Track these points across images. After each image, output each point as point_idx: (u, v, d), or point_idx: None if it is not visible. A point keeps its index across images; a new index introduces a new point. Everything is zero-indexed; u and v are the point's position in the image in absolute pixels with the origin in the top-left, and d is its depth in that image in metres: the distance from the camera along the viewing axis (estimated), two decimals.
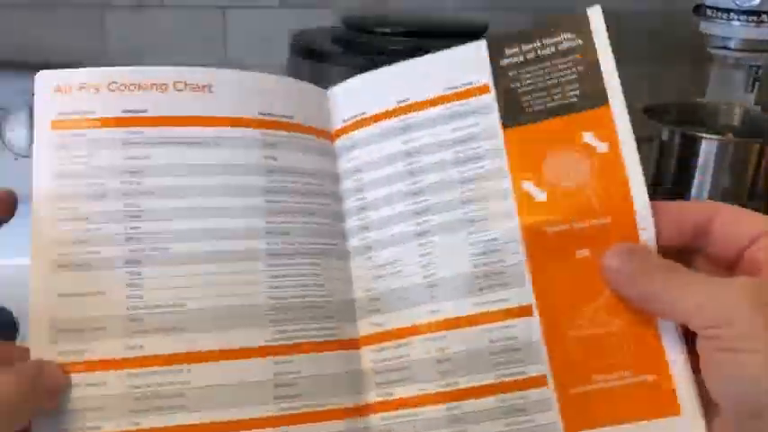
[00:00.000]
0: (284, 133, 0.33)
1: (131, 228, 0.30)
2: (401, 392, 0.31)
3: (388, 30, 0.61)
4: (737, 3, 0.63)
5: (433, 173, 0.33)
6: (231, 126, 0.32)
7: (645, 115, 0.64)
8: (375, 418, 0.31)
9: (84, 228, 0.30)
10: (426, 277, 0.32)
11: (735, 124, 0.69)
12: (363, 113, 0.35)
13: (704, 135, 0.62)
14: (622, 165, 0.31)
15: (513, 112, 0.32)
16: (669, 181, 0.64)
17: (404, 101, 0.34)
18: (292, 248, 0.32)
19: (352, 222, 0.34)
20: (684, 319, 0.26)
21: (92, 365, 0.28)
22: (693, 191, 0.62)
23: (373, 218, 0.33)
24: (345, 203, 0.34)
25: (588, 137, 0.31)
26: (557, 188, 0.31)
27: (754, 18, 0.63)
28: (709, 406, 0.28)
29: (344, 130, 0.35)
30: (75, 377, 0.28)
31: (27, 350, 0.28)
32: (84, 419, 0.28)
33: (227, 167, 0.32)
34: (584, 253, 0.30)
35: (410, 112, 0.34)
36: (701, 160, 0.61)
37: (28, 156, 0.62)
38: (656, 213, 0.29)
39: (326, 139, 0.35)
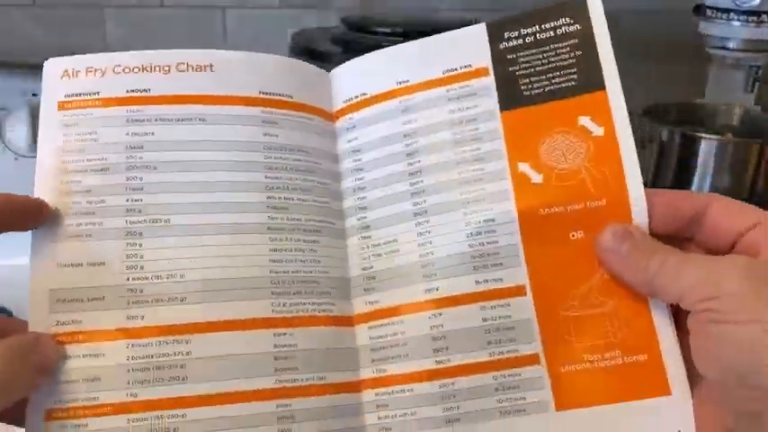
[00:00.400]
0: (284, 112, 0.34)
1: (133, 200, 0.30)
2: (395, 369, 0.31)
3: (388, 30, 0.61)
4: (737, 3, 0.63)
5: (430, 154, 0.33)
6: (232, 104, 0.33)
7: (645, 115, 0.64)
8: (369, 394, 0.31)
9: (86, 200, 0.30)
10: (423, 256, 0.32)
11: (734, 124, 0.69)
12: (364, 94, 0.35)
13: (704, 135, 0.62)
14: (617, 149, 0.31)
15: (511, 95, 0.33)
16: (669, 181, 0.64)
17: (404, 82, 0.34)
18: (291, 224, 0.32)
19: (349, 202, 0.34)
20: (678, 296, 0.27)
21: (90, 336, 0.28)
22: (693, 191, 0.62)
23: (371, 198, 0.34)
24: (344, 183, 0.35)
25: (584, 120, 0.31)
26: (552, 170, 0.31)
27: (754, 18, 0.63)
28: (692, 384, 0.28)
29: (345, 111, 0.35)
30: (73, 348, 0.28)
31: (25, 323, 0.28)
32: (81, 390, 0.28)
33: (227, 143, 0.32)
34: (578, 235, 0.31)
35: (410, 93, 0.34)
36: (700, 160, 0.61)
37: (28, 156, 0.62)
38: (650, 200, 0.30)
39: (328, 119, 0.35)
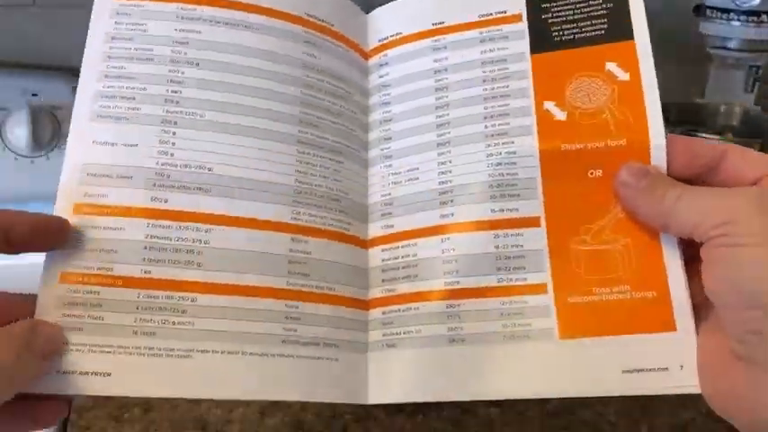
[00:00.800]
0: (325, 37, 0.36)
1: (172, 91, 0.32)
2: (404, 289, 0.33)
3: None
4: (737, 3, 0.63)
5: (459, 90, 0.35)
6: (278, 18, 0.34)
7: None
8: (376, 312, 0.33)
9: (127, 86, 0.32)
10: (442, 183, 0.33)
11: (735, 124, 0.69)
12: (399, 33, 0.37)
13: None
14: (641, 94, 0.32)
15: (542, 39, 0.34)
16: None
17: (439, 23, 0.36)
18: (320, 141, 0.34)
19: (374, 134, 0.36)
20: (693, 225, 0.27)
21: (113, 210, 0.30)
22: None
23: (396, 129, 0.35)
24: (371, 116, 0.36)
25: (611, 66, 0.33)
26: (576, 109, 0.33)
27: (754, 18, 0.63)
28: (696, 321, 0.29)
29: (379, 49, 0.37)
30: (96, 219, 0.29)
31: (26, 298, 0.28)
32: (97, 259, 0.29)
33: (269, 53, 0.34)
34: (596, 173, 0.31)
35: (444, 33, 0.36)
36: None
37: (28, 156, 0.62)
38: (669, 144, 0.30)
39: (361, 56, 0.37)
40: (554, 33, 0.34)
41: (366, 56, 0.38)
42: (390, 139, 0.35)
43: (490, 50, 0.35)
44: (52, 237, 0.29)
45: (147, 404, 0.49)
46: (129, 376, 0.28)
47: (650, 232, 0.30)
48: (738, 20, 0.63)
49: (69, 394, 0.27)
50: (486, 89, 0.34)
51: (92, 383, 0.27)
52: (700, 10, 0.66)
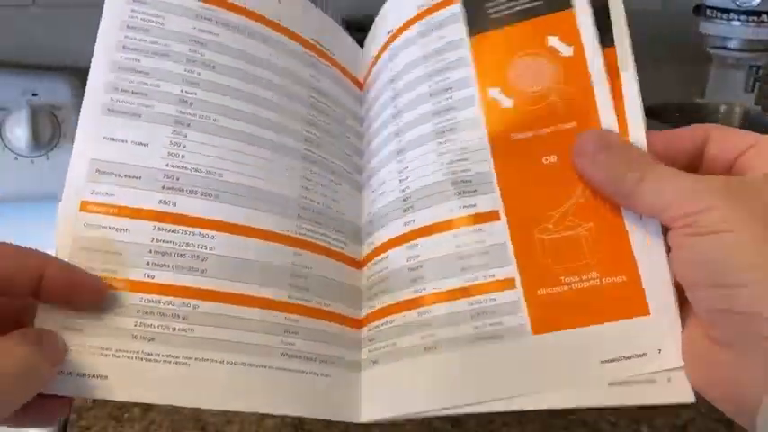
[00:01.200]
0: (326, 63, 0.36)
1: (187, 91, 0.31)
2: (380, 303, 0.32)
3: None
4: (737, 3, 0.63)
5: (408, 92, 0.34)
6: (291, 38, 0.35)
7: (645, 115, 0.64)
8: (364, 331, 0.32)
9: (141, 81, 0.31)
10: (403, 191, 0.33)
11: (735, 124, 0.69)
12: (371, 56, 0.37)
13: None
14: (586, 69, 0.30)
15: (479, 19, 0.33)
16: None
17: (390, 32, 0.36)
18: (322, 161, 0.34)
19: (363, 161, 0.36)
20: (658, 210, 0.27)
21: (120, 210, 0.29)
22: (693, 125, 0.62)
23: (370, 149, 0.35)
24: (362, 143, 0.36)
25: (553, 41, 0.31)
26: (523, 94, 0.31)
27: (754, 18, 0.63)
28: (683, 306, 0.28)
29: (366, 77, 0.37)
30: (101, 218, 0.29)
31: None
32: (101, 261, 0.28)
33: (282, 70, 0.34)
34: (551, 159, 0.30)
35: (394, 39, 0.35)
36: None
37: (28, 156, 0.62)
38: (649, 140, 0.30)
39: (356, 85, 0.38)
40: (490, 11, 0.32)
41: (361, 86, 0.38)
42: (369, 160, 0.35)
43: (429, 42, 0.33)
44: (86, 296, 0.27)
45: (147, 404, 0.49)
46: (125, 380, 0.27)
47: (614, 214, 0.29)
48: (738, 20, 0.63)
49: (66, 396, 0.27)
50: (430, 85, 0.33)
51: (88, 386, 0.27)
52: (700, 10, 0.66)
